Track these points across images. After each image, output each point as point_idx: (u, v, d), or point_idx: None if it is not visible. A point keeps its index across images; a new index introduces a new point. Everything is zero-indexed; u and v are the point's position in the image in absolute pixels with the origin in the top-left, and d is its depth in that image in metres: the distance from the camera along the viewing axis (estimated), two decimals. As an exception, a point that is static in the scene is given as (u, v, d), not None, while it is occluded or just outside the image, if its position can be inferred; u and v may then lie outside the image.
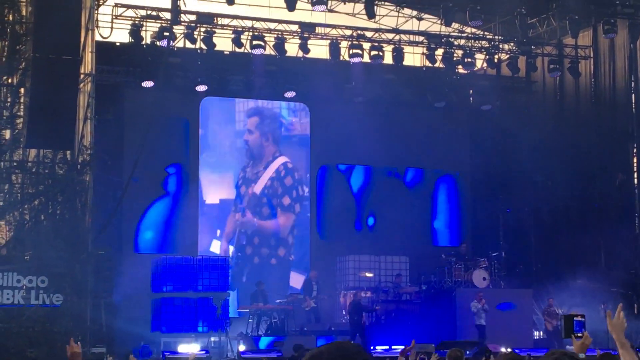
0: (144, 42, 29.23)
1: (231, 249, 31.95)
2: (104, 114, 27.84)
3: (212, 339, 26.53)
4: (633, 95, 32.06)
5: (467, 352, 24.51)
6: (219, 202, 32.34)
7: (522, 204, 33.79)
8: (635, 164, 31.89)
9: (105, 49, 27.56)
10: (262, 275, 31.34)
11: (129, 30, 28.92)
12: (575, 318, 7.22)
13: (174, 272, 27.53)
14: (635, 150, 31.91)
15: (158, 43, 28.87)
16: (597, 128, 32.70)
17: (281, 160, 32.96)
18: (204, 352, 24.06)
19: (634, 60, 31.76)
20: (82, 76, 23.76)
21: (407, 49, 32.15)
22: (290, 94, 32.05)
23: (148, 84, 29.62)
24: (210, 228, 32.03)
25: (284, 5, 28.38)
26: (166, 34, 28.61)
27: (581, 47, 33.18)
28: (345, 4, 30.68)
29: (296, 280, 32.17)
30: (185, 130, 31.70)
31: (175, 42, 29.39)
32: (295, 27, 30.48)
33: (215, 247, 31.85)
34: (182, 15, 28.78)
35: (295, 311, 28.55)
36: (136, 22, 28.93)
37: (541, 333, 30.03)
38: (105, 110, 28.30)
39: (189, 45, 29.77)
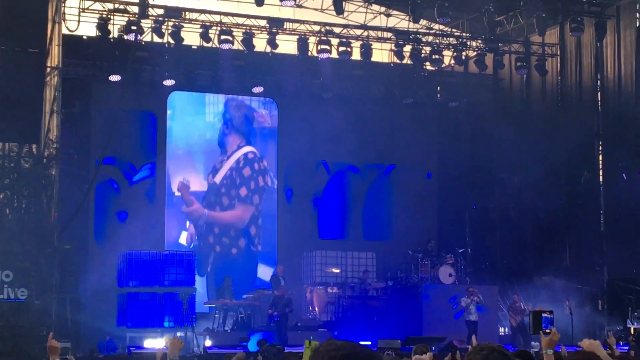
0: (111, 36, 29.01)
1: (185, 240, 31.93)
2: (70, 108, 27.75)
3: (179, 334, 26.44)
4: (599, 93, 32.24)
5: (433, 348, 24.62)
6: (188, 193, 32.24)
7: (488, 200, 33.91)
8: (600, 162, 32.09)
9: (72, 43, 27.37)
10: (228, 265, 31.31)
11: (96, 24, 28.69)
12: (543, 314, 7.25)
13: (140, 267, 27.45)
14: (600, 148, 32.11)
15: (125, 37, 28.66)
16: (563, 125, 32.83)
17: (244, 150, 32.77)
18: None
19: (600, 58, 31.93)
20: (48, 69, 23.62)
21: (375, 45, 32.10)
22: (258, 89, 31.97)
23: (115, 77, 29.46)
24: (179, 219, 31.96)
25: (252, 0, 28.30)
26: (134, 27, 28.41)
27: (548, 45, 33.33)
28: (313, -1, 30.68)
29: (265, 272, 32.11)
30: (153, 125, 31.54)
31: (143, 36, 29.21)
32: (263, 22, 30.40)
33: (184, 239, 31.82)
34: (150, 9, 28.65)
35: (261, 306, 28.52)
36: (103, 15, 28.71)
37: (506, 329, 30.18)
38: (72, 104, 28.19)
39: (156, 39, 29.59)
